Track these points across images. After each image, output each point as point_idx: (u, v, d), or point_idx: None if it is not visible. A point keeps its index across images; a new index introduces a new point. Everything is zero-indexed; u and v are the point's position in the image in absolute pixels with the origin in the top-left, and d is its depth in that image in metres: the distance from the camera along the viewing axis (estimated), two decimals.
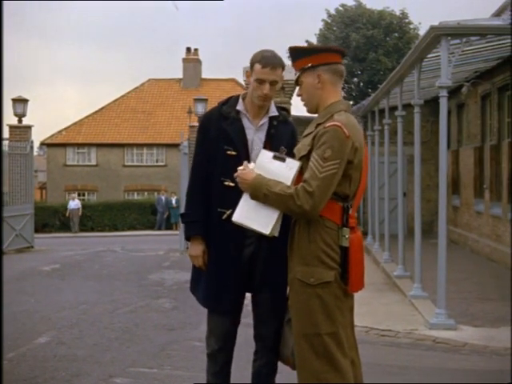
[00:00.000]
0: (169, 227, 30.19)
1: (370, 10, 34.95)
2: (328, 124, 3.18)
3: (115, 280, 11.12)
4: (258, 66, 3.59)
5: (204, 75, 40.83)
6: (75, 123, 37.92)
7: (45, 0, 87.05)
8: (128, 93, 39.87)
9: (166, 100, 39.20)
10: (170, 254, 15.76)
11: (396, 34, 34.47)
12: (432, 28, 7.59)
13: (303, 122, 10.48)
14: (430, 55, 8.94)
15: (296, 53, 3.40)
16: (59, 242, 21.34)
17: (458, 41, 7.91)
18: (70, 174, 36.33)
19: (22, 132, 17.19)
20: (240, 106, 3.72)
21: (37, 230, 19.80)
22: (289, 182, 3.18)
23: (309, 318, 3.17)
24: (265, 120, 3.72)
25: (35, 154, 26.20)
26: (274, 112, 3.74)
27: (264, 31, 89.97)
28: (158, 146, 36.94)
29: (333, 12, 35.40)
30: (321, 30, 35.57)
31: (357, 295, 3.34)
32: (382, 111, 13.84)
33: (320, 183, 3.07)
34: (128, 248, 17.54)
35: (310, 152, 3.19)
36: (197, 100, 21.54)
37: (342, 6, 35.43)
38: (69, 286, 10.44)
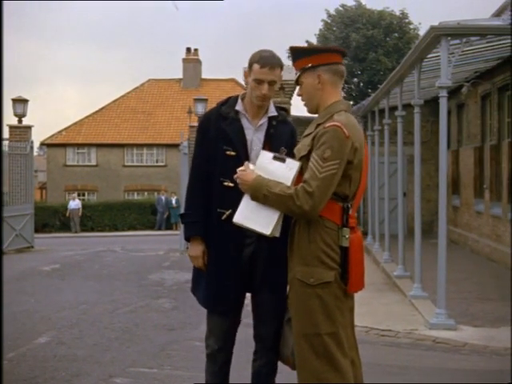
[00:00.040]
0: (169, 227, 30.19)
1: (369, 11, 34.94)
2: (328, 124, 3.18)
3: (115, 280, 11.12)
4: (256, 66, 3.59)
5: (204, 75, 40.86)
6: (75, 123, 37.93)
7: (45, 0, 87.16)
8: (128, 93, 39.87)
9: (166, 100, 39.21)
10: (170, 254, 15.76)
11: (396, 34, 34.46)
12: (432, 28, 7.59)
13: (303, 122, 10.51)
14: (430, 55, 8.94)
15: (296, 53, 3.40)
16: (59, 242, 21.34)
17: (457, 41, 7.91)
18: (70, 174, 36.33)
19: (22, 132, 17.19)
20: (239, 106, 3.72)
21: (37, 230, 19.81)
22: (289, 183, 3.18)
23: (309, 318, 3.18)
24: (264, 120, 3.72)
25: (35, 154, 26.22)
26: (273, 112, 3.74)
27: (264, 31, 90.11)
28: (158, 146, 36.95)
29: (333, 12, 35.40)
30: (321, 30, 35.57)
31: (357, 295, 3.34)
32: (382, 111, 13.84)
33: (320, 183, 3.07)
34: (128, 248, 17.54)
35: (309, 152, 3.19)
36: (197, 100, 21.55)
37: (342, 6, 35.43)
38: (69, 286, 10.44)
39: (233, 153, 3.61)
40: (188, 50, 40.59)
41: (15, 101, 17.47)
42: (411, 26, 35.18)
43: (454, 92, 14.44)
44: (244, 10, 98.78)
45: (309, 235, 3.19)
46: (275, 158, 3.30)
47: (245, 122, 3.70)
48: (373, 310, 8.15)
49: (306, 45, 25.54)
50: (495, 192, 12.67)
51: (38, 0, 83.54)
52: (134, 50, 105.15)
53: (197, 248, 3.69)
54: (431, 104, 14.93)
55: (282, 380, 3.94)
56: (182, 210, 3.92)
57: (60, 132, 37.42)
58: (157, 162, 37.10)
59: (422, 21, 43.04)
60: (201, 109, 20.49)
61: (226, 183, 3.58)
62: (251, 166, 3.31)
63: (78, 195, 34.17)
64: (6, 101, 17.26)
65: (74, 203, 30.52)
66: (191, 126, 18.73)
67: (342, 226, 3.19)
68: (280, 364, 3.69)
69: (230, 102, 3.76)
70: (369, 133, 15.35)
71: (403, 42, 33.68)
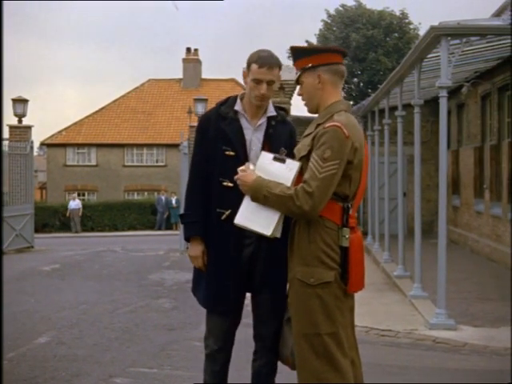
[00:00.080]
0: (169, 227, 30.20)
1: (369, 11, 34.96)
2: (328, 124, 3.18)
3: (115, 280, 11.12)
4: (254, 66, 3.59)
5: (204, 75, 40.85)
6: (75, 123, 37.93)
7: (45, 0, 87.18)
8: (128, 93, 39.87)
9: (166, 100, 39.21)
10: (170, 254, 15.76)
11: (396, 34, 34.49)
12: (432, 28, 7.59)
13: (303, 122, 10.51)
14: (430, 55, 8.94)
15: (297, 52, 3.41)
16: (59, 242, 21.34)
17: (457, 41, 7.91)
18: (70, 174, 36.33)
19: (21, 132, 17.19)
20: (238, 107, 3.72)
21: (37, 230, 19.81)
22: (289, 183, 3.18)
23: (309, 318, 3.17)
24: (263, 120, 3.72)
25: (35, 154, 26.22)
26: (272, 112, 3.74)
27: (264, 31, 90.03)
28: (158, 146, 36.95)
29: (333, 12, 35.43)
30: (321, 30, 35.59)
31: (357, 295, 3.34)
32: (382, 111, 13.85)
33: (320, 184, 3.07)
34: (128, 248, 17.53)
35: (309, 152, 3.19)
36: (197, 100, 21.57)
37: (342, 6, 35.45)
38: (69, 286, 10.44)
39: (232, 153, 3.61)
40: (188, 50, 40.59)
41: (15, 101, 17.48)
42: (411, 26, 35.22)
43: (454, 92, 14.44)
44: (244, 10, 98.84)
45: (309, 235, 3.19)
46: (275, 158, 3.30)
47: (244, 122, 3.70)
48: (373, 310, 8.15)
49: (306, 45, 25.55)
50: (495, 192, 12.67)
51: (38, 0, 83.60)
52: (133, 50, 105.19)
53: (196, 248, 3.69)
54: (431, 104, 14.93)
55: (281, 380, 3.93)
56: (182, 210, 3.93)
57: (60, 132, 37.42)
58: (157, 162, 37.10)
59: (422, 21, 43.07)
60: (201, 109, 20.49)
61: (225, 183, 3.58)
62: (251, 167, 3.31)
63: (78, 195, 34.17)
64: (6, 101, 17.24)
65: (74, 203, 30.53)
66: (191, 126, 18.74)
67: (342, 226, 3.19)
68: (280, 364, 3.69)
69: (229, 102, 3.76)
70: (369, 133, 15.35)
71: (403, 42, 33.70)
